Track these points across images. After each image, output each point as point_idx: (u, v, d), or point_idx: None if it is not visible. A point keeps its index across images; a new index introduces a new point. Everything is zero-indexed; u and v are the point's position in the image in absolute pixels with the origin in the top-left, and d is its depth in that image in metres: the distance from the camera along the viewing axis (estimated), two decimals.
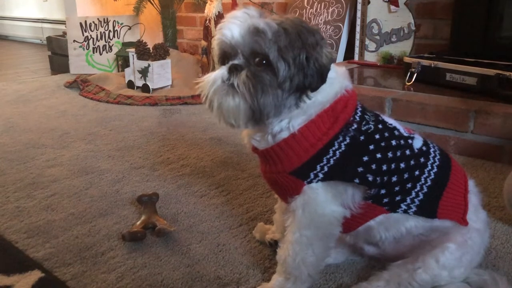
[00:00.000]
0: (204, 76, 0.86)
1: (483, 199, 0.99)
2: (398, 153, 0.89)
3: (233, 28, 0.81)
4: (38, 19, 5.56)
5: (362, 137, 0.87)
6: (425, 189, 0.90)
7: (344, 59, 2.72)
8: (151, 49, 2.78)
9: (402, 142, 0.90)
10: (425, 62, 2.04)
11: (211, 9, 2.83)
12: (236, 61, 0.82)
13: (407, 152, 0.90)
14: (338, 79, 0.89)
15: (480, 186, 1.00)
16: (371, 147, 0.87)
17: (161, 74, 2.81)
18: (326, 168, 0.85)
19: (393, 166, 0.88)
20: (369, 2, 2.53)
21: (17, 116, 2.40)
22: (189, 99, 2.64)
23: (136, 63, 2.80)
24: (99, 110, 2.52)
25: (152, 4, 3.38)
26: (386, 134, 0.89)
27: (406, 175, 0.89)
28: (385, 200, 0.89)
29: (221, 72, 0.83)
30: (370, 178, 0.86)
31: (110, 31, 3.46)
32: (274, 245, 1.10)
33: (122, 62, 3.33)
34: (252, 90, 0.79)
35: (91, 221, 1.29)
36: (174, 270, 1.05)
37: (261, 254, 1.11)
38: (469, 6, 2.08)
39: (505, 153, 1.67)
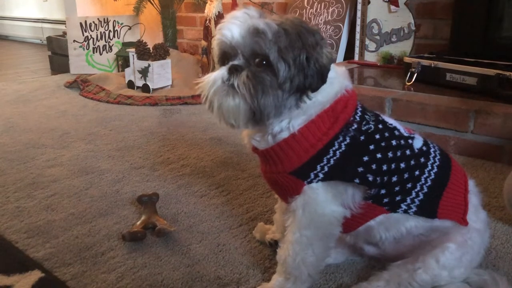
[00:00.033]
0: (204, 77, 0.86)
1: (483, 199, 0.99)
2: (398, 153, 0.89)
3: (233, 28, 0.81)
4: (38, 19, 5.57)
5: (362, 137, 0.87)
6: (425, 189, 0.90)
7: (344, 59, 2.72)
8: (151, 49, 2.78)
9: (402, 142, 0.90)
10: (425, 62, 2.04)
11: (211, 9, 2.83)
12: (236, 62, 0.82)
13: (407, 152, 0.90)
14: (338, 79, 0.89)
15: (480, 186, 1.00)
16: (371, 147, 0.87)
17: (161, 74, 2.81)
18: (326, 168, 0.85)
19: (393, 166, 0.88)
20: (369, 2, 2.53)
21: (17, 116, 2.40)
22: (189, 99, 2.64)
23: (136, 63, 2.80)
24: (99, 110, 2.52)
25: (152, 4, 3.38)
26: (386, 134, 0.89)
27: (406, 175, 0.89)
28: (385, 200, 0.89)
29: (221, 72, 0.83)
30: (370, 178, 0.86)
31: (110, 31, 3.46)
32: (274, 245, 1.10)
33: (122, 62, 3.33)
34: (252, 91, 0.79)
35: (91, 221, 1.29)
36: (174, 270, 1.05)
37: (261, 254, 1.11)
38: (469, 6, 2.08)
39: (505, 153, 1.67)
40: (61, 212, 1.34)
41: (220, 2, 2.85)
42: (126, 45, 3.36)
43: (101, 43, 3.47)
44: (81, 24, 3.44)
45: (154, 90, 2.79)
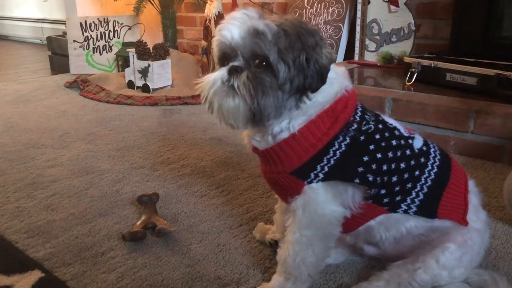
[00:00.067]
0: (204, 77, 0.86)
1: (483, 199, 0.99)
2: (399, 153, 0.89)
3: (232, 29, 0.81)
4: (38, 19, 5.57)
5: (362, 137, 0.87)
6: (425, 189, 0.90)
7: (344, 59, 2.72)
8: (151, 49, 2.78)
9: (402, 142, 0.90)
10: (425, 62, 2.04)
11: (211, 9, 2.83)
12: (236, 63, 0.82)
13: (408, 152, 0.90)
14: (338, 79, 0.89)
15: (480, 186, 1.00)
16: (372, 147, 0.87)
17: (161, 74, 2.81)
18: (326, 168, 0.85)
19: (393, 166, 0.88)
20: (369, 2, 2.53)
21: (17, 116, 2.40)
22: (189, 99, 2.64)
23: (136, 63, 2.80)
24: (99, 110, 2.52)
25: (152, 4, 3.38)
26: (387, 134, 0.89)
27: (406, 175, 0.89)
28: (385, 200, 0.89)
29: (221, 73, 0.83)
30: (371, 178, 0.86)
31: (110, 31, 3.46)
32: (274, 245, 1.10)
33: (122, 62, 3.33)
34: (252, 92, 0.79)
35: (91, 221, 1.29)
36: (174, 270, 1.05)
37: (261, 254, 1.11)
38: (469, 6, 2.08)
39: (505, 153, 1.67)
40: (61, 212, 1.34)
41: (220, 2, 2.85)
42: (126, 45, 3.36)
43: (101, 43, 3.47)
44: (81, 24, 3.44)
45: (154, 90, 2.79)
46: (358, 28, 2.60)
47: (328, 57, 0.83)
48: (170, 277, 1.03)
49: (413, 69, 2.07)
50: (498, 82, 1.74)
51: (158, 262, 1.09)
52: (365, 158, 0.86)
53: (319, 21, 2.77)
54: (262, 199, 1.41)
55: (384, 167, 0.87)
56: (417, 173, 0.90)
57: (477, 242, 0.93)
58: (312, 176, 0.86)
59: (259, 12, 0.84)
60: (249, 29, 0.80)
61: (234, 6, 2.95)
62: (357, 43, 2.62)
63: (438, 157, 0.94)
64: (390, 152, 0.88)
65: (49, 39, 3.86)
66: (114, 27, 3.47)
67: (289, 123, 0.86)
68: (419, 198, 0.90)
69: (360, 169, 0.85)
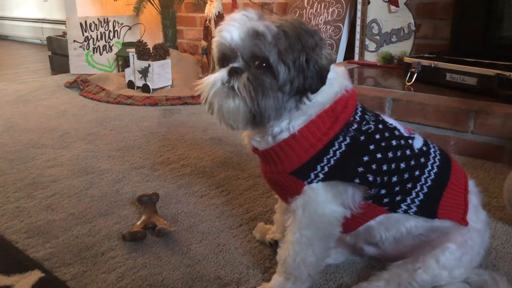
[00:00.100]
0: (204, 79, 0.86)
1: (483, 199, 0.99)
2: (399, 153, 0.89)
3: (232, 30, 0.81)
4: (38, 19, 5.57)
5: (362, 137, 0.87)
6: (425, 189, 0.90)
7: (344, 59, 2.72)
8: (151, 49, 2.78)
9: (402, 142, 0.90)
10: (425, 62, 2.04)
11: (211, 9, 2.83)
12: (236, 64, 0.82)
13: (408, 152, 0.90)
14: (337, 80, 0.89)
15: (480, 186, 1.00)
16: (372, 147, 0.87)
17: (161, 74, 2.81)
18: (326, 168, 0.85)
19: (393, 166, 0.88)
20: (369, 2, 2.53)
21: (17, 116, 2.40)
22: (189, 99, 2.64)
23: (136, 63, 2.80)
24: (99, 110, 2.52)
25: (152, 4, 3.38)
26: (387, 134, 0.89)
27: (406, 175, 0.89)
28: (385, 200, 0.89)
29: (220, 74, 0.83)
30: (371, 178, 0.86)
31: (110, 31, 3.46)
32: (274, 245, 1.10)
33: (122, 62, 3.33)
34: (253, 94, 0.79)
35: (91, 221, 1.29)
36: (174, 270, 1.05)
37: (261, 254, 1.11)
38: (469, 6, 2.08)
39: (505, 153, 1.67)
40: (61, 212, 1.34)
41: (220, 2, 2.85)
42: (126, 45, 3.36)
43: (101, 43, 3.47)
44: (81, 24, 3.44)
45: (154, 90, 2.79)
46: (358, 28, 2.60)
47: (328, 57, 0.83)
48: (170, 277, 1.03)
49: (413, 69, 2.07)
50: (498, 82, 1.74)
51: (158, 262, 1.09)
52: (365, 158, 0.86)
53: (319, 21, 2.77)
54: (262, 199, 1.41)
55: (384, 167, 0.87)
56: (417, 173, 0.90)
57: (477, 242, 0.93)
58: (312, 176, 0.86)
59: (259, 13, 0.84)
60: (249, 30, 0.80)
61: (234, 6, 2.95)
62: (357, 43, 2.62)
63: (438, 157, 0.94)
64: (390, 152, 0.88)
65: (49, 39, 3.86)
66: (114, 27, 3.47)
67: (289, 124, 0.86)
68: (419, 198, 0.90)
69: (360, 169, 0.85)
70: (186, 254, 1.11)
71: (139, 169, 1.66)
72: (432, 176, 0.91)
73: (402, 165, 0.88)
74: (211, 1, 2.84)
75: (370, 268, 1.03)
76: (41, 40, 5.53)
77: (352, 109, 0.88)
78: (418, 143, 0.93)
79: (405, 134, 0.93)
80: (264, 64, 0.80)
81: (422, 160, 0.91)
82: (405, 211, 0.90)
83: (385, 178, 0.87)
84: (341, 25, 2.68)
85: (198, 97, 0.88)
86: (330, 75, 0.84)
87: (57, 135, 2.06)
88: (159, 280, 1.02)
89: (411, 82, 2.05)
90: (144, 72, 2.77)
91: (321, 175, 0.86)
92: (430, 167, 0.91)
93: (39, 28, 5.57)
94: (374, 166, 0.86)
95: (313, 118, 0.86)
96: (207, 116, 2.30)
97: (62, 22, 4.54)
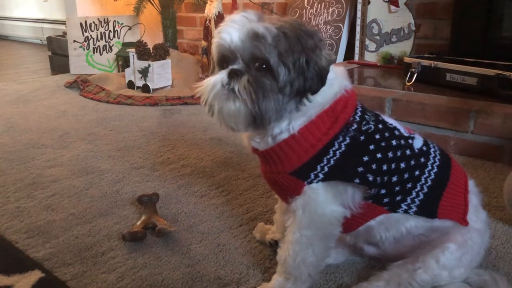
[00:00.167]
0: (204, 81, 0.86)
1: (483, 199, 0.99)
2: (399, 153, 0.89)
3: (232, 32, 0.81)
4: (38, 19, 5.57)
5: (362, 137, 0.87)
6: (426, 189, 0.90)
7: (344, 59, 2.72)
8: (151, 49, 2.78)
9: (402, 142, 0.90)
10: (425, 62, 2.04)
11: (211, 9, 2.83)
12: (235, 66, 0.82)
13: (408, 152, 0.90)
14: (337, 80, 0.89)
15: (480, 186, 1.00)
16: (371, 147, 0.87)
17: (161, 74, 2.81)
18: (326, 168, 0.85)
19: (393, 166, 0.88)
20: (369, 2, 2.53)
21: (17, 116, 2.40)
22: (189, 99, 2.64)
23: (136, 63, 2.80)
24: (99, 110, 2.52)
25: (152, 4, 3.38)
26: (387, 134, 0.89)
27: (406, 175, 0.89)
28: (386, 200, 0.89)
29: (220, 76, 0.83)
30: (371, 178, 0.86)
31: (110, 31, 3.46)
32: (274, 245, 1.10)
33: (122, 62, 3.33)
34: (253, 96, 0.79)
35: (91, 221, 1.29)
36: (175, 270, 1.05)
37: (261, 254, 1.11)
38: (469, 6, 2.08)
39: (505, 153, 1.67)
40: (61, 212, 1.34)
41: (220, 2, 2.85)
42: (126, 45, 3.36)
43: (101, 43, 3.47)
44: (81, 24, 3.44)
45: (154, 90, 2.79)
46: (358, 28, 2.60)
47: (328, 58, 0.83)
48: (170, 277, 1.03)
49: (413, 69, 2.07)
50: (498, 82, 1.74)
51: (158, 262, 1.09)
52: (365, 158, 0.86)
53: (319, 21, 2.77)
54: (262, 199, 1.41)
55: (384, 167, 0.87)
56: (417, 173, 0.90)
57: (477, 242, 0.93)
58: (312, 176, 0.86)
59: (258, 15, 0.84)
60: (249, 32, 0.80)
61: (234, 6, 2.95)
62: (357, 43, 2.62)
63: (438, 157, 0.94)
64: (390, 152, 0.88)
65: (49, 39, 3.86)
66: (114, 27, 3.47)
67: (289, 124, 0.86)
68: (419, 198, 0.90)
69: (360, 169, 0.85)
70: (186, 254, 1.12)
71: (139, 169, 1.66)
72: (432, 176, 0.91)
73: (402, 165, 0.88)
74: (211, 1, 2.84)
75: (370, 268, 1.03)
76: (41, 40, 5.53)
77: (352, 109, 0.88)
78: (418, 143, 0.93)
79: (405, 134, 0.93)
80: (264, 66, 0.80)
81: (422, 160, 0.91)
82: (405, 211, 0.90)
83: (385, 178, 0.87)
84: (341, 25, 2.68)
85: (198, 98, 0.87)
86: (329, 76, 0.84)
87: (57, 135, 2.06)
88: (159, 280, 1.02)
89: (411, 82, 2.05)
90: (144, 72, 2.77)
91: (321, 175, 0.86)
92: (430, 167, 0.91)
93: (39, 28, 5.57)
94: (374, 166, 0.86)
95: (313, 118, 0.86)
96: (207, 116, 2.29)
97: (62, 22, 4.54)
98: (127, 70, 2.90)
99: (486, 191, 1.40)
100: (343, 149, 0.85)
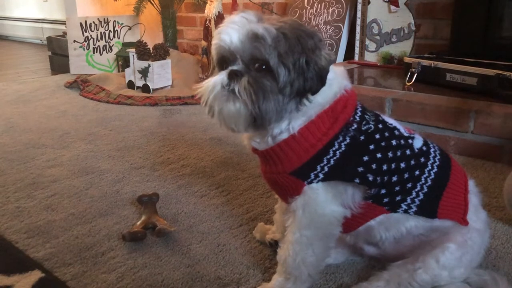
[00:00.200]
0: (204, 82, 0.86)
1: (483, 199, 0.99)
2: (399, 153, 0.89)
3: (231, 33, 0.81)
4: (38, 19, 5.57)
5: (362, 137, 0.87)
6: (426, 189, 0.90)
7: (344, 59, 2.72)
8: (151, 49, 2.78)
9: (402, 142, 0.90)
10: (425, 62, 2.04)
11: (211, 9, 2.83)
12: (235, 67, 0.82)
13: (407, 152, 0.90)
14: (337, 80, 0.89)
15: (480, 186, 1.00)
16: (371, 147, 0.87)
17: (161, 74, 2.81)
18: (326, 168, 0.85)
19: (393, 166, 0.88)
20: (369, 2, 2.53)
21: (17, 116, 2.40)
22: (189, 99, 2.64)
23: (136, 63, 2.80)
24: (99, 110, 2.52)
25: (152, 4, 3.38)
26: (386, 134, 0.89)
27: (406, 175, 0.89)
28: (386, 200, 0.89)
29: (220, 77, 0.83)
30: (371, 178, 0.86)
31: (110, 31, 3.46)
32: (274, 245, 1.10)
33: (122, 62, 3.33)
34: (253, 97, 0.79)
35: (91, 221, 1.29)
36: (175, 270, 1.05)
37: (262, 254, 1.11)
38: (469, 6, 2.08)
39: (505, 153, 1.67)
40: (61, 212, 1.34)
41: (220, 2, 2.85)
42: (126, 45, 3.36)
43: (101, 43, 3.47)
44: (81, 24, 3.44)
45: (154, 90, 2.79)
46: (358, 28, 2.60)
47: (327, 58, 0.83)
48: (170, 277, 1.03)
49: (413, 69, 2.07)
50: (498, 82, 1.74)
51: (158, 262, 1.09)
52: (365, 158, 0.86)
53: (319, 21, 2.77)
54: (262, 199, 1.41)
55: (384, 167, 0.87)
56: (417, 173, 0.90)
57: (477, 242, 0.93)
58: (312, 176, 0.86)
59: (258, 15, 0.84)
60: (248, 33, 0.80)
61: (234, 6, 2.95)
62: (357, 43, 2.62)
63: (438, 157, 0.94)
64: (390, 152, 0.88)
65: (49, 39, 3.86)
66: (114, 27, 3.47)
67: (288, 124, 0.86)
68: (419, 198, 0.90)
69: (360, 169, 0.85)
70: (186, 254, 1.12)
71: (139, 169, 1.66)
72: (432, 176, 0.91)
73: (402, 165, 0.89)
74: (211, 1, 2.84)
75: (370, 268, 1.03)
76: (41, 40, 5.53)
77: (351, 109, 0.88)
78: (418, 143, 0.93)
79: (405, 134, 0.93)
80: (264, 67, 0.80)
81: (422, 160, 0.91)
82: (405, 211, 0.90)
83: (385, 178, 0.87)
84: (341, 25, 2.68)
85: (198, 98, 0.87)
86: (329, 76, 0.84)
87: (57, 135, 2.06)
88: (159, 280, 1.02)
89: (411, 82, 2.05)
90: (144, 72, 2.77)
91: (321, 175, 0.86)
92: (430, 167, 0.91)
93: (39, 28, 5.57)
94: (374, 166, 0.86)
95: (313, 118, 0.86)
96: (207, 116, 2.30)
97: (62, 22, 4.54)
98: (127, 70, 2.90)
99: (486, 191, 1.40)
100: (343, 149, 0.85)
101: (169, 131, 2.11)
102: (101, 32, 3.46)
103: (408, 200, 0.89)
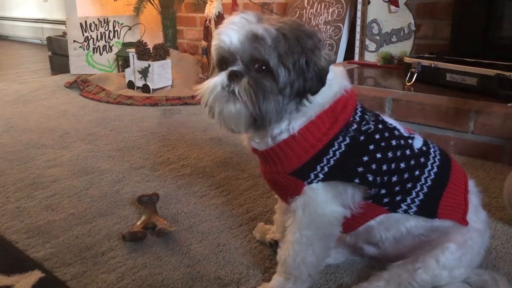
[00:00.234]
0: (204, 83, 0.86)
1: (483, 199, 0.99)
2: (398, 153, 0.89)
3: (231, 34, 0.81)
4: (38, 19, 5.57)
5: (362, 137, 0.87)
6: (425, 189, 0.90)
7: (344, 59, 2.72)
8: (151, 49, 2.78)
9: (402, 142, 0.90)
10: (425, 62, 2.04)
11: (211, 9, 2.83)
12: (235, 67, 0.82)
13: (407, 152, 0.90)
14: (336, 80, 0.89)
15: (480, 186, 1.00)
16: (371, 147, 0.87)
17: (161, 74, 2.81)
18: (326, 169, 0.85)
19: (393, 166, 0.88)
20: (369, 2, 2.53)
21: (17, 116, 2.40)
22: (189, 99, 2.64)
23: (136, 63, 2.80)
24: (99, 110, 2.52)
25: (152, 4, 3.38)
26: (386, 134, 0.89)
27: (406, 175, 0.89)
28: (385, 200, 0.89)
29: (220, 78, 0.83)
30: (370, 178, 0.86)
31: (110, 31, 3.46)
32: (274, 245, 1.10)
33: (122, 62, 3.33)
34: (253, 98, 0.79)
35: (92, 221, 1.29)
36: (175, 270, 1.05)
37: (262, 254, 1.11)
38: (469, 6, 2.08)
39: (505, 153, 1.67)
40: (61, 212, 1.34)
41: (220, 2, 2.85)
42: (126, 45, 3.36)
43: (101, 43, 3.47)
44: (81, 24, 3.44)
45: (154, 90, 2.79)
46: (358, 28, 2.60)
47: (327, 58, 0.83)
48: (170, 277, 1.03)
49: (413, 69, 2.07)
50: (498, 82, 1.74)
51: (158, 262, 1.09)
52: (365, 158, 0.86)
53: (319, 21, 2.77)
54: (262, 199, 1.41)
55: (384, 167, 0.87)
56: (417, 173, 0.90)
57: (477, 242, 0.93)
58: (312, 176, 0.86)
59: (258, 16, 0.84)
60: (248, 33, 0.80)
61: (234, 6, 2.95)
62: (357, 43, 2.62)
63: (438, 157, 0.94)
64: (390, 152, 0.88)
65: (49, 39, 3.86)
66: (114, 27, 3.47)
67: (288, 125, 0.86)
68: (419, 198, 0.90)
69: (360, 169, 0.85)
70: (186, 254, 1.12)
71: (139, 169, 1.66)
72: (432, 176, 0.91)
73: (402, 165, 0.89)
74: (211, 1, 2.84)
75: (370, 268, 1.03)
76: (41, 40, 5.53)
77: (351, 109, 0.88)
78: (418, 143, 0.93)
79: (405, 134, 0.93)
80: (263, 67, 0.80)
81: (422, 160, 0.91)
82: (405, 211, 0.90)
83: (385, 178, 0.87)
84: (341, 25, 2.68)
85: (198, 98, 0.87)
86: (329, 76, 0.84)
87: (57, 135, 2.06)
88: (159, 280, 1.02)
89: (411, 82, 2.05)
90: (144, 72, 2.77)
91: (321, 175, 0.86)
92: (430, 167, 0.91)
93: (39, 28, 5.57)
94: (374, 166, 0.86)
95: (313, 118, 0.86)
96: (208, 117, 2.30)
97: (62, 22, 4.54)
98: (127, 70, 2.90)
99: (486, 191, 1.40)
100: (343, 149, 0.85)
101: (169, 131, 2.11)
102: (101, 32, 3.46)
103: (408, 200, 0.89)
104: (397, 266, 0.93)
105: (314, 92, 0.83)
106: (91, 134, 2.09)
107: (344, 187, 0.88)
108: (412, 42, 2.47)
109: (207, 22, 2.90)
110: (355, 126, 0.87)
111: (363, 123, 0.88)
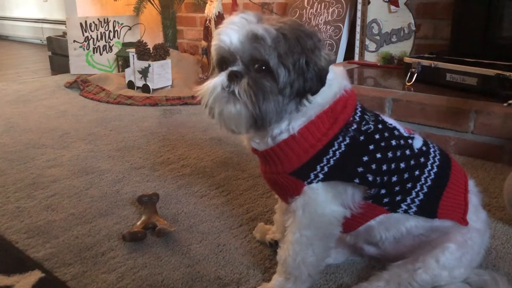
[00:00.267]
0: (204, 83, 0.86)
1: (483, 199, 0.99)
2: (398, 153, 0.89)
3: (231, 34, 0.81)
4: (38, 19, 5.57)
5: (362, 137, 0.87)
6: (425, 189, 0.90)
7: (344, 59, 2.72)
8: (151, 49, 2.78)
9: (402, 142, 0.90)
10: (425, 62, 2.04)
11: (211, 9, 2.84)
12: (235, 68, 0.82)
13: (407, 152, 0.90)
14: (336, 80, 0.89)
15: (480, 186, 1.00)
16: (371, 147, 0.87)
17: (161, 74, 2.81)
18: (326, 169, 0.85)
19: (393, 166, 0.88)
20: (369, 2, 2.53)
21: (17, 116, 2.40)
22: (189, 99, 2.64)
23: (136, 63, 2.80)
24: (99, 110, 2.52)
25: (152, 4, 3.38)
26: (386, 134, 0.89)
27: (406, 175, 0.89)
28: (385, 200, 0.89)
29: (220, 79, 0.83)
30: (370, 178, 0.86)
31: (110, 31, 3.46)
32: (274, 245, 1.10)
33: (122, 62, 3.33)
34: (254, 98, 0.79)
35: (92, 221, 1.29)
36: (175, 270, 1.05)
37: (262, 254, 1.11)
38: (469, 6, 2.08)
39: (505, 153, 1.67)
40: (61, 212, 1.34)
41: (220, 2, 2.85)
42: (126, 45, 3.36)
43: (101, 43, 3.47)
44: (81, 24, 3.44)
45: (154, 90, 2.79)
46: (358, 28, 2.60)
47: (327, 58, 0.83)
48: (170, 277, 1.03)
49: (413, 69, 2.07)
50: (498, 82, 1.74)
51: (158, 262, 1.09)
52: (365, 158, 0.86)
53: (319, 21, 2.77)
54: (262, 199, 1.41)
55: (384, 167, 0.87)
56: (417, 173, 0.90)
57: (477, 242, 0.93)
58: (312, 176, 0.86)
59: (258, 16, 0.84)
60: (248, 33, 0.80)
61: (234, 6, 2.95)
62: (357, 43, 2.62)
63: (438, 157, 0.94)
64: (390, 152, 0.88)
65: (49, 39, 3.86)
66: (114, 27, 3.47)
67: (288, 125, 0.86)
68: (419, 198, 0.90)
69: (360, 169, 0.85)
70: (186, 254, 1.12)
71: (139, 169, 1.66)
72: (432, 176, 0.91)
73: (402, 165, 0.89)
74: (211, 1, 2.84)
75: (370, 268, 1.03)
76: (41, 40, 5.53)
77: (351, 109, 0.88)
78: (417, 143, 0.93)
79: (405, 134, 0.93)
80: (263, 68, 0.80)
81: (422, 160, 0.91)
82: (405, 211, 0.90)
83: (385, 178, 0.87)
84: (341, 25, 2.68)
85: (198, 98, 0.87)
86: (329, 76, 0.84)
87: (57, 135, 2.06)
88: (159, 280, 1.02)
89: (411, 82, 2.05)
90: (144, 72, 2.77)
91: (320, 175, 0.86)
92: (430, 167, 0.91)
93: (39, 28, 5.57)
94: (373, 166, 0.86)
95: (313, 119, 0.86)
96: (208, 117, 2.30)
97: (62, 22, 4.54)
98: (127, 70, 2.90)
99: (486, 191, 1.40)
100: (342, 149, 0.85)
101: (169, 131, 2.11)
102: (101, 32, 3.46)
103: (408, 200, 0.90)
104: (397, 266, 0.93)
105: (314, 92, 0.83)
106: (91, 134, 2.09)
107: (344, 187, 0.88)
108: (412, 42, 2.47)
109: (207, 22, 2.90)
110: (355, 126, 0.87)
111: (363, 123, 0.88)
